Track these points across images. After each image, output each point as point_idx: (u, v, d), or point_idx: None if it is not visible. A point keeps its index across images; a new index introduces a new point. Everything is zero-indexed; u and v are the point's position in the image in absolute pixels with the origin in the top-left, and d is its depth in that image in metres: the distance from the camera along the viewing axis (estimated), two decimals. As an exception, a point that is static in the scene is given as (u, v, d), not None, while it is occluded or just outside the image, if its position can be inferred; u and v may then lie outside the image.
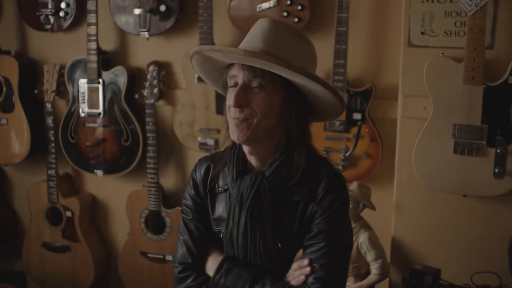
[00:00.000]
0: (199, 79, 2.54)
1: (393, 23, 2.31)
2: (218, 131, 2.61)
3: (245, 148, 1.50)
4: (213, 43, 2.49)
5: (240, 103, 1.42)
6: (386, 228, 2.33)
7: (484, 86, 2.05)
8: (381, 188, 2.40)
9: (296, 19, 2.38)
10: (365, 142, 2.40)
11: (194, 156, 2.69)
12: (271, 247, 1.48)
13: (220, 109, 2.55)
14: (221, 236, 1.54)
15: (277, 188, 1.48)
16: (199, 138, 2.65)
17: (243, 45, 1.45)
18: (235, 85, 1.45)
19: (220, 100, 2.53)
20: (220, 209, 1.57)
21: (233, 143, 1.53)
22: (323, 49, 2.25)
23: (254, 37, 1.45)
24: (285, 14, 2.39)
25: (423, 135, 2.15)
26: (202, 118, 2.62)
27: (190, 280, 1.58)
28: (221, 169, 1.57)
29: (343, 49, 2.33)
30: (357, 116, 2.42)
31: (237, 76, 1.45)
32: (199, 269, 1.58)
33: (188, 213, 1.62)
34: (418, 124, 2.17)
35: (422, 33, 2.13)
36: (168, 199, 2.79)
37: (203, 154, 2.58)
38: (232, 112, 1.45)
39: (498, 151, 2.06)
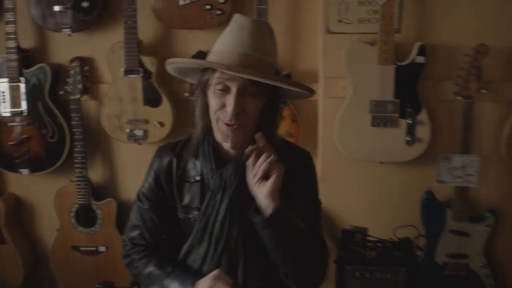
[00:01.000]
0: (125, 73, 2.63)
1: (309, 13, 2.53)
2: (147, 121, 2.70)
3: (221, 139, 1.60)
4: (137, 38, 2.57)
5: (238, 111, 1.50)
6: None
7: (395, 65, 2.35)
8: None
9: (218, 12, 2.54)
10: (287, 123, 2.62)
11: (122, 147, 2.77)
12: (249, 233, 1.58)
13: (148, 100, 2.64)
14: (192, 222, 1.62)
15: None
16: (128, 130, 2.72)
17: (231, 47, 1.52)
18: (225, 89, 1.51)
19: (147, 91, 2.64)
20: (189, 197, 1.65)
21: (204, 134, 1.61)
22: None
23: (243, 42, 1.52)
24: (208, 7, 2.53)
25: (344, 112, 2.42)
26: (129, 110, 2.70)
27: (136, 259, 1.69)
28: (189, 159, 1.65)
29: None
30: (278, 99, 2.64)
31: (229, 82, 1.51)
32: (150, 250, 1.69)
33: (145, 203, 1.69)
34: (338, 103, 2.43)
35: (339, 21, 2.40)
36: (97, 191, 2.84)
37: (132, 145, 2.69)
38: (225, 118, 1.52)
39: (409, 121, 2.39)
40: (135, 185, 1.79)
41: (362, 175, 2.51)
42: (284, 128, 2.61)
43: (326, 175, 2.54)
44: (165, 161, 1.67)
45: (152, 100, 2.64)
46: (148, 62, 2.61)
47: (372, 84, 2.38)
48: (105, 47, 2.63)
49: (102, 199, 2.82)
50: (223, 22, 2.46)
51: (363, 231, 2.28)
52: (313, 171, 1.72)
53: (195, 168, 1.64)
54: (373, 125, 2.41)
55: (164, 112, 2.63)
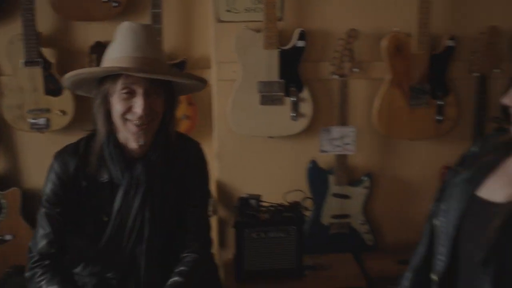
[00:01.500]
0: (26, 64, 2.71)
1: (200, 3, 2.73)
2: (48, 110, 2.80)
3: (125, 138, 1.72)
4: (36, 30, 2.66)
5: (147, 112, 1.63)
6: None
7: (279, 49, 2.62)
8: (201, 142, 2.85)
9: (115, 4, 2.69)
10: (184, 106, 2.82)
11: (25, 137, 2.84)
12: (161, 226, 1.74)
13: (49, 90, 2.75)
14: (104, 223, 1.73)
15: (162, 169, 1.74)
16: (30, 119, 2.81)
17: (130, 52, 1.64)
18: (131, 92, 1.64)
19: (48, 81, 2.75)
20: (100, 199, 1.74)
21: (107, 137, 1.71)
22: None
23: (140, 46, 1.65)
24: (105, -1, 2.70)
25: (236, 93, 2.67)
26: (31, 100, 2.79)
27: (39, 274, 1.73)
28: (96, 162, 1.74)
29: (158, 28, 2.73)
30: (174, 84, 2.85)
31: (134, 85, 1.63)
32: (56, 263, 1.75)
33: (51, 208, 1.75)
34: (230, 85, 2.67)
35: (228, 11, 2.64)
36: (1, 181, 2.91)
37: (35, 134, 2.77)
38: (134, 118, 1.65)
39: (293, 99, 2.68)
40: (40, 173, 1.89)
41: (254, 149, 2.78)
42: (181, 111, 2.81)
43: (222, 152, 2.78)
44: (71, 165, 1.74)
45: (53, 89, 2.75)
46: (48, 53, 2.71)
47: (260, 67, 2.64)
48: (4, 39, 2.71)
49: (7, 188, 2.88)
50: (120, 14, 2.63)
51: (257, 198, 2.54)
52: (205, 163, 1.93)
53: (102, 169, 1.74)
54: (261, 103, 2.67)
55: (66, 100, 2.74)
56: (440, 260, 1.40)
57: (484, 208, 1.32)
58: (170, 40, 2.75)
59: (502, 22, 2.66)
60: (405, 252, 2.78)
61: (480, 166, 1.40)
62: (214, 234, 2.73)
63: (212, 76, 2.74)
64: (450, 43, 2.67)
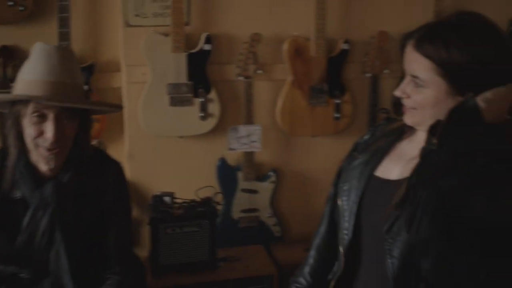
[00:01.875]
0: None
1: (108, 8, 2.78)
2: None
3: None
4: None
5: (57, 137, 1.65)
6: None
7: (187, 53, 2.74)
8: (113, 143, 2.90)
9: (21, 8, 2.70)
10: (93, 109, 2.89)
11: None
12: (74, 246, 1.77)
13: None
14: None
15: (76, 188, 1.77)
16: None
17: (43, 76, 1.65)
18: (42, 116, 1.65)
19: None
20: (10, 214, 1.74)
21: (18, 156, 1.72)
22: (47, 33, 2.63)
23: (54, 70, 1.66)
24: (11, 3, 2.68)
25: (146, 95, 2.75)
26: None
27: None
28: (10, 177, 1.74)
29: (66, 32, 2.75)
30: (84, 87, 2.88)
31: (46, 110, 1.64)
32: None
33: None
34: (140, 87, 2.75)
35: (136, 16, 2.72)
36: None
37: None
38: (45, 144, 1.66)
39: (201, 100, 2.81)
40: None
41: (165, 149, 2.87)
42: (91, 114, 2.87)
43: (133, 152, 2.85)
44: None
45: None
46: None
47: (169, 70, 2.74)
48: None
49: None
50: (27, 18, 2.65)
51: (170, 195, 2.64)
52: (125, 182, 1.98)
53: (16, 186, 1.75)
54: (171, 104, 2.77)
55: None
56: (346, 234, 1.57)
57: (382, 186, 1.50)
58: (78, 44, 2.77)
59: (390, 27, 2.92)
60: (310, 241, 3.01)
61: (375, 150, 1.59)
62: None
63: (122, 78, 2.81)
64: (344, 46, 2.90)
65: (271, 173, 2.97)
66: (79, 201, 1.81)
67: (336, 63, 2.91)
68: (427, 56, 1.36)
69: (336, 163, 3.00)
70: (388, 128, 1.64)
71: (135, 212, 2.87)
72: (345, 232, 1.58)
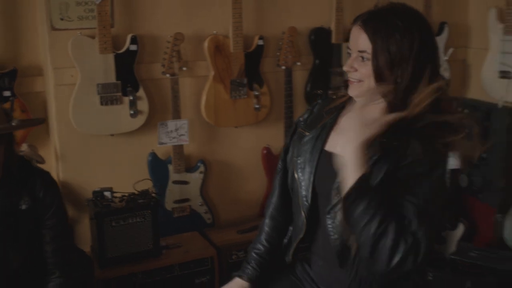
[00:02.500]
0: None
1: (28, 12, 2.81)
2: None
3: None
4: None
5: None
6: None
7: (114, 53, 2.84)
8: (39, 145, 2.92)
9: None
10: (17, 114, 2.87)
11: None
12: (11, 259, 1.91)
13: None
14: None
15: (8, 205, 1.90)
16: None
17: None
18: None
19: None
20: None
21: None
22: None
23: None
24: None
25: (76, 96, 2.81)
26: None
27: None
28: None
29: (-13, 38, 2.77)
30: (6, 93, 2.88)
31: None
32: None
33: None
34: (70, 89, 2.81)
35: (62, 19, 2.78)
36: None
37: None
38: None
39: (130, 98, 2.92)
40: None
41: (97, 147, 2.95)
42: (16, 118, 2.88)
43: (65, 153, 2.90)
44: None
45: None
46: None
47: (97, 70, 2.82)
48: None
49: None
50: None
51: (110, 189, 2.74)
52: (55, 190, 2.10)
53: None
54: (101, 104, 2.85)
55: None
56: (305, 201, 1.81)
57: (330, 158, 1.75)
58: (-2, 50, 2.81)
59: (299, 23, 3.20)
60: (240, 224, 3.23)
61: (323, 126, 1.85)
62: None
63: (47, 82, 2.86)
64: (260, 42, 3.14)
65: (199, 164, 3.15)
66: (10, 215, 1.92)
67: (253, 57, 3.14)
68: (370, 33, 1.63)
69: (258, 151, 3.29)
70: (330, 106, 1.89)
71: (72, 212, 2.93)
72: (305, 199, 1.82)
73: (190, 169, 3.13)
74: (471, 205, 3.79)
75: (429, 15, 3.49)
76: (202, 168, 3.15)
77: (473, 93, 3.81)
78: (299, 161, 1.85)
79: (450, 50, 3.60)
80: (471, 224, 3.75)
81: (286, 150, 1.99)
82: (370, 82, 1.66)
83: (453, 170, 3.14)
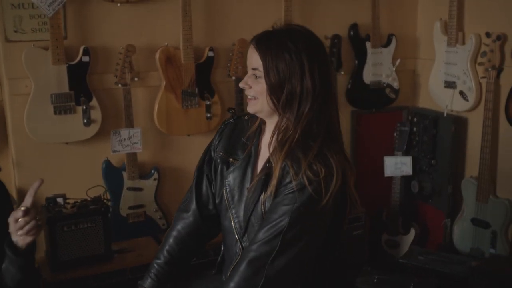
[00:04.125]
0: None
1: None
2: None
3: None
4: None
5: None
6: (8, 181, 2.95)
7: (67, 64, 2.94)
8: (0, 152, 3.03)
9: None
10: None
11: None
12: None
13: None
14: None
15: None
16: None
17: None
18: None
19: None
20: None
21: None
22: None
23: None
24: None
25: (30, 106, 2.90)
26: None
27: None
28: None
29: None
30: (-37, 103, 2.98)
31: None
32: None
33: None
34: (24, 98, 2.90)
35: (16, 31, 2.88)
36: None
37: None
38: None
39: (84, 108, 3.02)
40: None
41: (53, 155, 3.04)
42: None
43: (20, 161, 2.99)
44: None
45: None
46: None
47: (50, 81, 2.91)
48: None
49: None
50: None
51: (63, 196, 2.83)
52: (8, 198, 2.22)
53: None
54: (55, 113, 2.94)
55: None
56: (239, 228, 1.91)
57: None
58: None
59: (249, 35, 3.30)
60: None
61: (248, 156, 1.89)
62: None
63: (4, 91, 2.95)
64: (210, 53, 3.26)
65: (153, 171, 3.25)
66: None
67: (204, 68, 3.26)
68: (262, 52, 1.73)
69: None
70: (250, 131, 1.95)
71: (26, 218, 3.00)
72: (238, 227, 1.90)
73: (144, 176, 3.22)
74: (423, 210, 3.94)
75: (376, 28, 3.66)
76: (155, 175, 3.24)
77: (422, 102, 3.96)
78: (228, 190, 1.91)
79: (398, 61, 3.75)
80: (423, 228, 3.89)
81: (200, 168, 2.09)
82: (263, 99, 1.77)
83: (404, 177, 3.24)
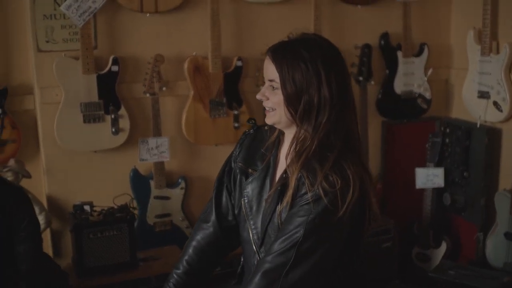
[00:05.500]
0: None
1: (18, 34, 2.97)
2: None
3: None
4: None
5: None
6: (39, 188, 3.06)
7: (97, 74, 2.99)
8: (29, 160, 3.06)
9: None
10: (8, 131, 3.00)
11: None
12: None
13: None
14: None
15: None
16: None
17: None
18: None
19: None
20: None
21: None
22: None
23: None
24: None
25: (60, 114, 2.96)
26: None
27: None
28: None
29: (-22, 60, 2.93)
30: (-2, 111, 3.05)
31: None
32: None
33: None
34: (55, 107, 2.96)
35: (47, 42, 2.95)
36: None
37: None
38: None
39: (112, 117, 3.06)
40: None
41: (81, 163, 3.09)
42: (6, 135, 3.00)
43: (50, 168, 3.05)
44: None
45: None
46: None
47: (80, 90, 2.97)
48: None
49: None
50: None
51: (90, 204, 2.87)
52: (28, 205, 2.27)
53: None
54: (84, 122, 3.00)
55: None
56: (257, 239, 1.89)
57: None
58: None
59: (277, 44, 3.32)
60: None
61: (267, 166, 1.86)
62: (47, 245, 3.00)
63: (36, 100, 3.01)
64: (238, 63, 3.27)
65: (180, 180, 3.26)
66: None
67: (232, 78, 3.27)
68: (277, 63, 1.70)
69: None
70: (268, 143, 1.90)
71: (56, 224, 3.06)
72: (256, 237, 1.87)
73: (171, 185, 3.24)
74: (455, 224, 3.85)
75: (408, 37, 3.61)
76: (183, 184, 3.26)
77: (456, 113, 3.88)
78: (246, 201, 1.88)
79: (430, 71, 3.69)
80: (455, 242, 3.80)
81: (220, 179, 2.05)
82: (281, 110, 1.73)
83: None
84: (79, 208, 2.85)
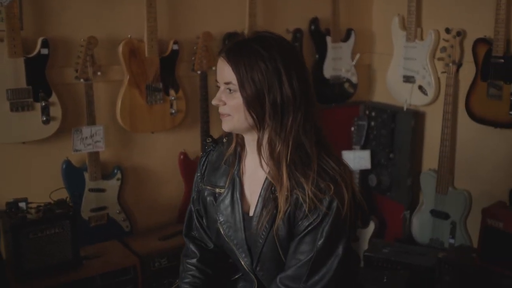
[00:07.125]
0: None
1: None
2: None
3: None
4: None
5: None
6: None
7: (24, 57, 2.72)
8: None
9: None
10: None
11: None
12: None
13: None
14: None
15: None
16: None
17: None
18: None
19: None
20: None
21: None
22: None
23: None
24: None
25: (-17, 103, 2.68)
26: None
27: None
28: None
29: None
30: None
31: None
32: None
33: None
34: (-24, 95, 2.67)
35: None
36: None
37: None
38: None
39: (43, 104, 2.80)
40: None
41: (10, 155, 2.82)
42: None
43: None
44: None
45: None
46: None
47: (6, 75, 2.69)
48: None
49: None
50: None
51: (25, 200, 2.62)
52: None
53: None
54: (11, 110, 2.72)
55: None
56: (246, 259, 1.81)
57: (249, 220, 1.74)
58: None
59: (213, 28, 3.21)
60: (159, 231, 3.20)
61: (232, 182, 1.77)
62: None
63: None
64: (175, 47, 3.12)
65: (116, 171, 3.07)
66: None
67: (169, 62, 3.12)
68: (234, 63, 1.60)
69: (175, 156, 3.26)
70: (226, 155, 1.81)
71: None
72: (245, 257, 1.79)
73: (106, 176, 3.05)
74: (381, 203, 3.97)
75: (336, 22, 3.65)
76: (119, 175, 3.07)
77: (378, 97, 3.99)
78: (223, 221, 1.79)
79: (357, 56, 3.76)
80: (381, 221, 3.93)
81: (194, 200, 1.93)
82: (240, 114, 1.63)
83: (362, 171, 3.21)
84: (13, 205, 2.59)
